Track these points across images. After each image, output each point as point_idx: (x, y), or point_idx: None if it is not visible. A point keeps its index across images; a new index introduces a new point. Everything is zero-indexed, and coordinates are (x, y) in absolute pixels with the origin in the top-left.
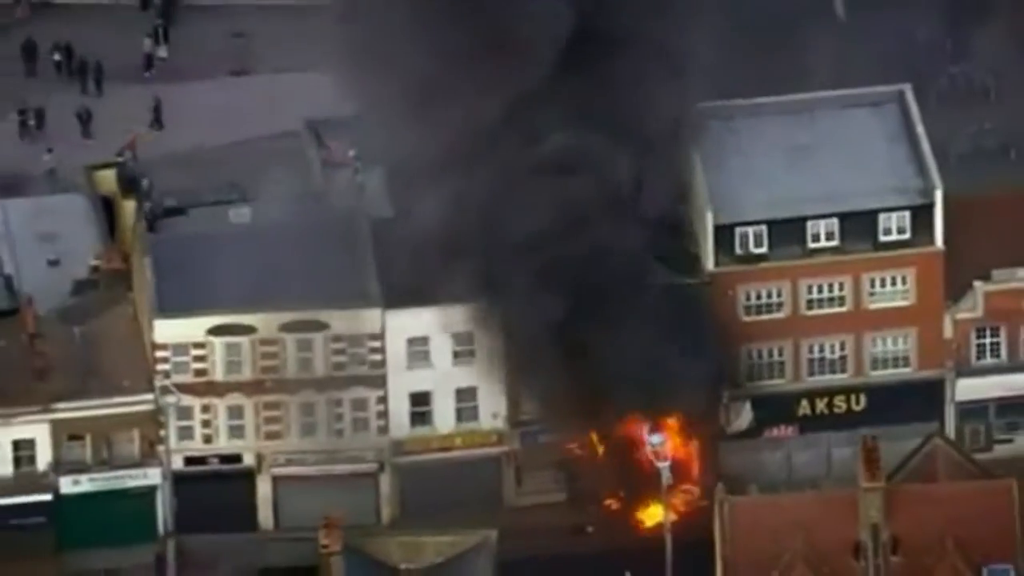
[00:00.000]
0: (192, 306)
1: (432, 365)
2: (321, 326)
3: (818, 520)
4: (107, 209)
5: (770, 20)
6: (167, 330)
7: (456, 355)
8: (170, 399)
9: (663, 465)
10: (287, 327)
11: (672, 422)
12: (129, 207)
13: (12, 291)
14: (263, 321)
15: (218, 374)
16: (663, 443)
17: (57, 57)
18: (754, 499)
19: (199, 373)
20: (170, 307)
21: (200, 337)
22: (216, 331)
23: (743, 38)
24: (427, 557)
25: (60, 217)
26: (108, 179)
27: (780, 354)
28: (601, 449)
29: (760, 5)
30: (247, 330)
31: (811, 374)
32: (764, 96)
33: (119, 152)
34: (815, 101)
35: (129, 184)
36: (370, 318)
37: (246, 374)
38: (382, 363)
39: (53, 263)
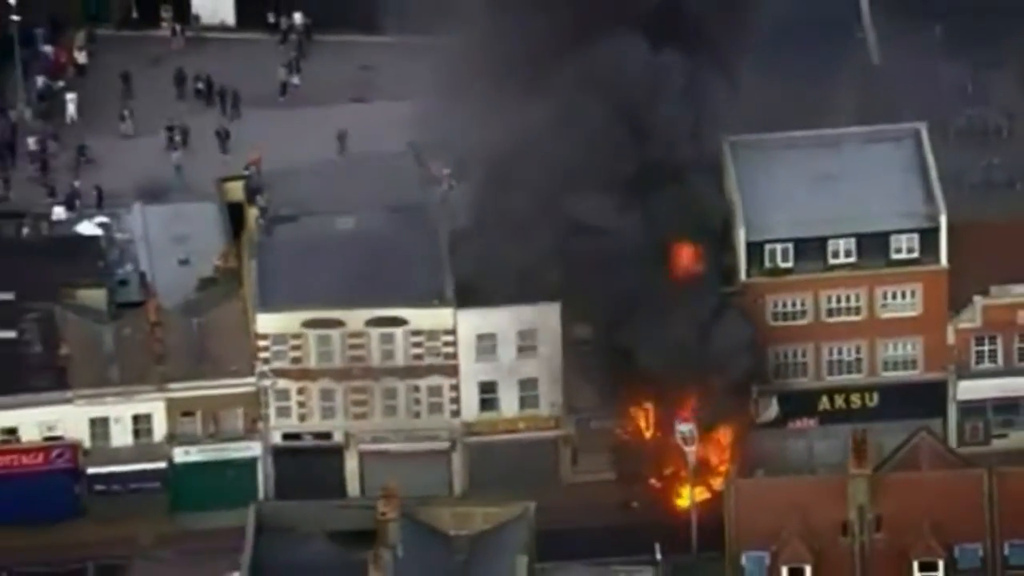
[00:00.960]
0: (290, 302)
1: (498, 358)
2: (401, 322)
3: (812, 501)
4: (237, 216)
5: (812, 65)
6: (268, 322)
7: (520, 350)
8: (266, 382)
9: (689, 450)
10: (372, 322)
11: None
12: (253, 214)
13: (145, 286)
14: (351, 316)
15: (312, 362)
16: (691, 431)
17: (200, 86)
18: (757, 481)
19: (295, 360)
20: (271, 302)
21: (296, 329)
22: (310, 324)
23: (786, 76)
24: (475, 525)
25: (193, 222)
26: (236, 189)
27: (803, 356)
28: (648, 434)
29: (804, 50)
30: (337, 324)
31: (830, 374)
32: (798, 129)
33: (246, 166)
34: (842, 135)
35: (253, 194)
36: (444, 316)
37: (336, 362)
38: (455, 355)
39: (183, 262)
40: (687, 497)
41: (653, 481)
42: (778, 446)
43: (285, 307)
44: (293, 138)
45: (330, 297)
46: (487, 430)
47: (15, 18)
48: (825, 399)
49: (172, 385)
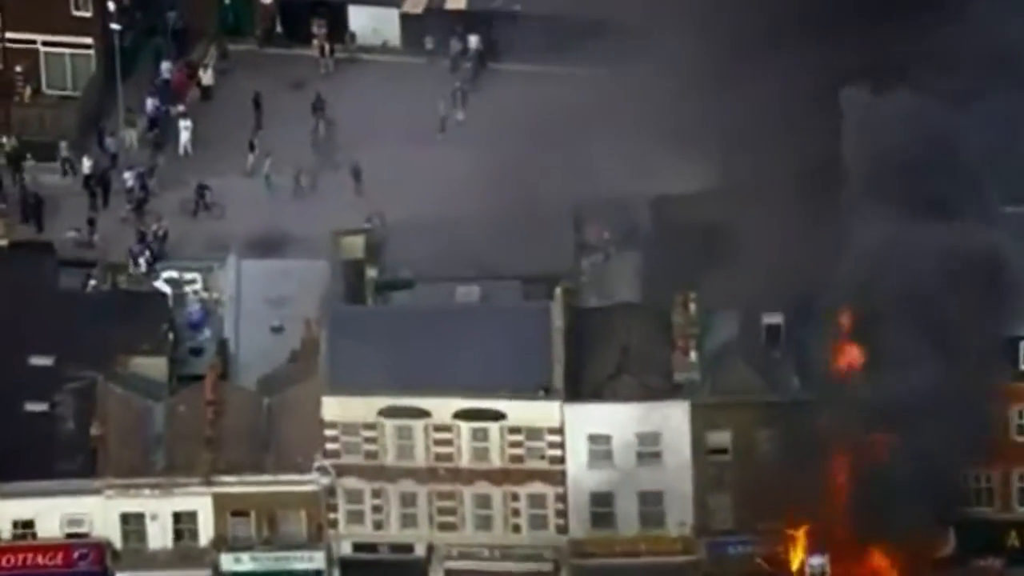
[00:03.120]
0: (365, 384)
1: (615, 465)
2: (498, 415)
3: None
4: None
5: None
6: (336, 408)
7: (640, 456)
8: (324, 480)
9: None
10: (462, 414)
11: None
12: (370, 276)
13: (224, 356)
14: (437, 406)
15: (389, 458)
16: (822, 567)
17: (321, 130)
18: None
19: (370, 456)
20: (342, 383)
21: (371, 418)
22: (388, 413)
23: None
24: None
25: (297, 282)
26: (355, 245)
27: (988, 481)
28: (795, 564)
29: None
30: (421, 414)
31: (1021, 504)
32: None
33: (368, 217)
34: None
35: (374, 251)
36: (550, 411)
37: (419, 460)
38: (562, 459)
39: (277, 330)
40: None
41: None
42: None
43: (358, 390)
44: (444, 183)
45: (414, 381)
46: (600, 551)
47: (115, 27)
48: (1014, 534)
49: (222, 478)
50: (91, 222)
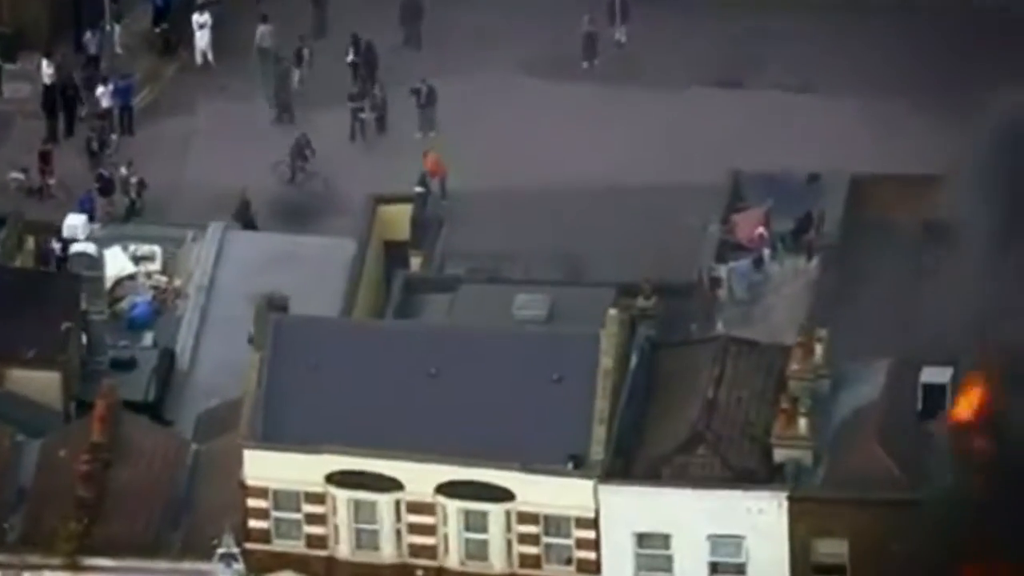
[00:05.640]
0: (309, 436)
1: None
2: (502, 494)
3: None
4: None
5: None
6: (265, 468)
7: (714, 569)
8: (225, 574)
9: None
10: (449, 488)
11: None
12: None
13: (167, 374)
14: (414, 474)
15: (342, 546)
16: None
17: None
18: None
19: (314, 542)
20: (278, 433)
21: (316, 486)
22: (340, 480)
23: None
24: None
25: (305, 269)
26: (399, 219)
27: None
28: None
29: None
30: (388, 484)
31: None
32: None
33: (420, 178)
34: None
35: (423, 228)
36: (580, 492)
37: (386, 552)
38: (596, 565)
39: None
40: None
41: None
42: None
43: (298, 444)
44: (566, 136)
45: (382, 434)
46: None
47: None
48: None
49: (93, 560)
50: (44, 157)
